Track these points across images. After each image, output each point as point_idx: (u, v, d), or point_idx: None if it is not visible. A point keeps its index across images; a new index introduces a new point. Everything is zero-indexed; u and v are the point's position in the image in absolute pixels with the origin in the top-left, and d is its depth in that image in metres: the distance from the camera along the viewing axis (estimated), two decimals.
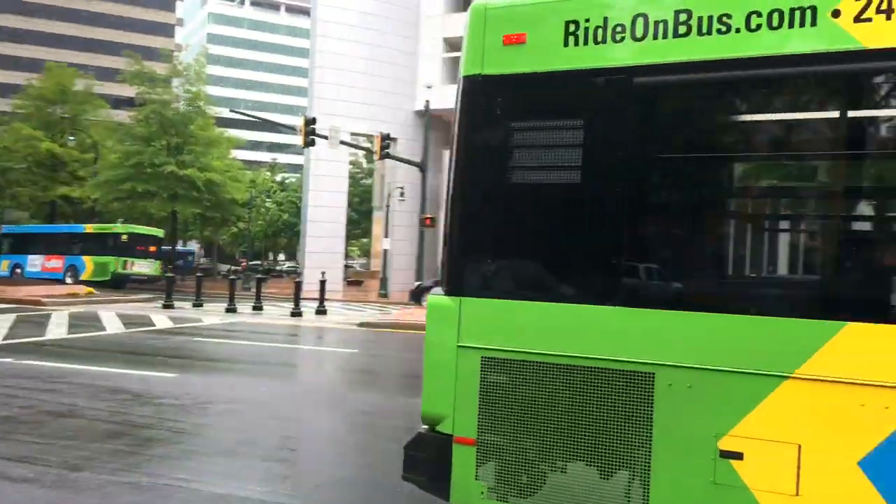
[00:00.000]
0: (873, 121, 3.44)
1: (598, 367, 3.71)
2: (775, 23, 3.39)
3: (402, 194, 36.97)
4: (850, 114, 3.48)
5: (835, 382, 3.22)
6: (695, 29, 3.56)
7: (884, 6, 3.19)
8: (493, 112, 4.07)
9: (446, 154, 41.13)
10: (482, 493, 3.97)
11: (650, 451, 3.58)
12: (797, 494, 3.28)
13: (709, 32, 3.53)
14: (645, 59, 3.66)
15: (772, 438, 3.34)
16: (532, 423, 3.86)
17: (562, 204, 3.97)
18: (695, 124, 3.80)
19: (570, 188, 3.91)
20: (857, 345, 3.19)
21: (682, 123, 3.82)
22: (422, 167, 34.05)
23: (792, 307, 3.43)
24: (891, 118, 3.40)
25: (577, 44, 3.83)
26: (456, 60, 40.17)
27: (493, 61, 4.04)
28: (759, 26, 3.43)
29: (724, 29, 3.49)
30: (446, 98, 36.09)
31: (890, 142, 3.38)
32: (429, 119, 34.94)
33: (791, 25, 3.37)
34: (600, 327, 3.73)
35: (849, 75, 3.39)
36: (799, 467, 3.28)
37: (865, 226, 3.58)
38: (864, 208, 3.57)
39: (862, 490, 3.16)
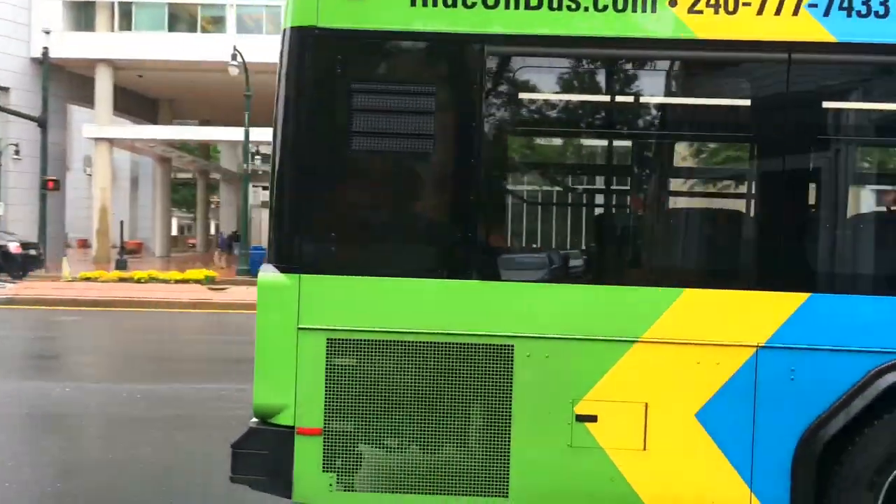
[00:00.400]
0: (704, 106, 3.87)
1: (455, 343, 3.64)
2: (620, 5, 3.61)
3: (16, 152, 31.92)
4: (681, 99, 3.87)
5: (675, 344, 3.60)
6: (546, 3, 3.63)
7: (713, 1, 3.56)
8: (332, 70, 3.71)
9: (72, 108, 37.08)
10: (330, 485, 3.67)
11: (510, 424, 3.63)
12: (644, 449, 3.61)
13: (559, 8, 3.62)
14: (493, 29, 3.64)
15: (622, 399, 3.62)
16: (385, 406, 3.66)
17: (414, 174, 3.79)
18: (539, 100, 3.89)
19: (419, 157, 3.75)
20: (693, 309, 3.60)
21: (528, 97, 3.88)
22: (41, 122, 29.69)
23: (640, 277, 3.74)
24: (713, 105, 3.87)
25: (424, 4, 3.66)
26: (80, 3, 36.48)
27: (332, 13, 3.67)
28: (605, 7, 3.61)
29: (573, 6, 3.62)
30: (68, 45, 32.03)
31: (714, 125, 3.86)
32: (47, 68, 30.46)
33: (634, 10, 3.60)
34: (457, 301, 3.66)
35: (682, 61, 3.76)
36: (646, 424, 3.61)
37: (698, 204, 4.04)
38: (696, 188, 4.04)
39: (699, 439, 3.60)
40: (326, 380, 3.65)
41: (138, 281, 21.18)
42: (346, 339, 3.66)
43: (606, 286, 3.68)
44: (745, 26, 3.55)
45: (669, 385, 3.61)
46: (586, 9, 3.60)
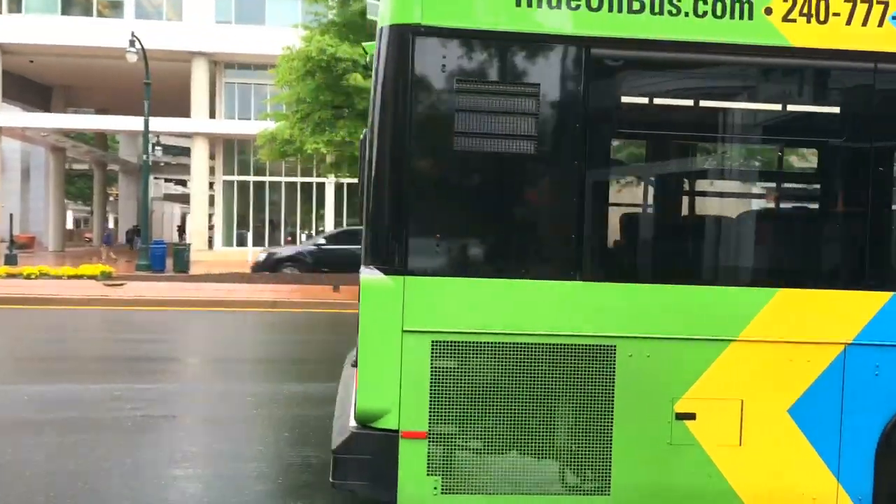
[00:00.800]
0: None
1: (559, 344, 3.63)
2: (718, 11, 3.70)
3: None
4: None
5: (770, 343, 3.72)
6: (647, 8, 3.68)
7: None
8: (437, 69, 3.63)
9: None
10: (435, 489, 3.58)
11: (612, 424, 3.66)
12: (740, 445, 3.72)
13: (661, 12, 3.68)
14: (599, 31, 3.66)
15: (719, 397, 3.71)
16: (489, 408, 3.61)
17: (519, 174, 3.75)
18: (653, 102, 3.91)
19: (522, 158, 3.72)
20: (786, 308, 3.73)
21: (630, 101, 3.89)
22: None
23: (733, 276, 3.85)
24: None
25: (529, 5, 3.63)
26: None
27: (435, 11, 3.59)
28: (704, 13, 3.69)
29: (674, 11, 3.68)
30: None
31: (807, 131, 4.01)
32: None
33: (732, 17, 3.69)
34: (563, 303, 3.65)
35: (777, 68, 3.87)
36: (742, 421, 3.72)
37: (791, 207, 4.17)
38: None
39: (791, 434, 3.75)
40: (431, 382, 3.57)
41: (27, 277, 19.78)
42: (451, 342, 3.58)
43: (706, 286, 3.76)
44: (835, 36, 3.71)
45: (764, 382, 3.73)
46: (686, 14, 3.67)
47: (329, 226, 30.11)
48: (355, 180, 20.85)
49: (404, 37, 3.59)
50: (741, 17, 3.69)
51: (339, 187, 28.98)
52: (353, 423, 3.67)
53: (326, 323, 13.64)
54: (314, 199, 31.59)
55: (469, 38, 3.63)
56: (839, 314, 3.76)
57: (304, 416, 6.79)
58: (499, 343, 3.61)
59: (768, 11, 3.70)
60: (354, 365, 4.71)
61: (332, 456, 3.61)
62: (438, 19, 3.59)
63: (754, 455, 3.74)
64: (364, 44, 4.96)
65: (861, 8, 3.72)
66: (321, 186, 30.90)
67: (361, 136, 3.99)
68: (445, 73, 3.63)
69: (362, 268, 3.64)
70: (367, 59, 4.81)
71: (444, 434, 3.59)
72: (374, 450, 3.58)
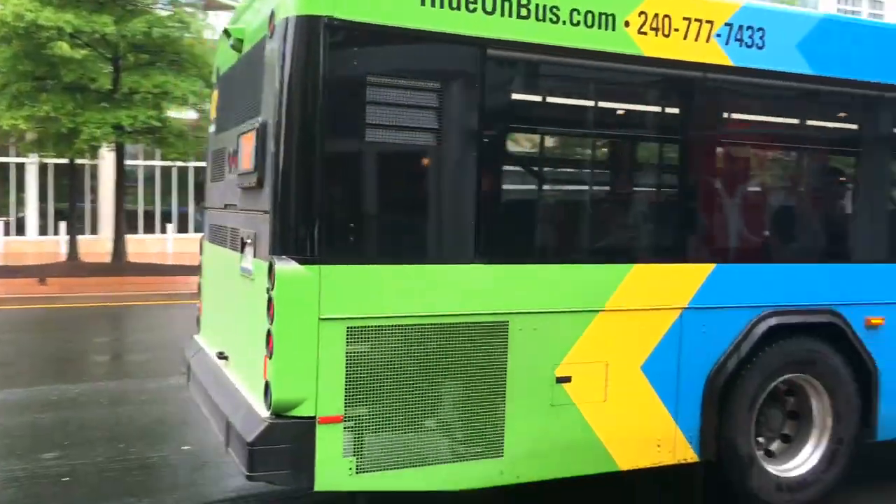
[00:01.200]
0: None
1: (461, 323, 3.93)
2: (588, 21, 4.17)
3: None
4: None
5: (628, 311, 4.34)
6: (533, 14, 4.04)
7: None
8: (348, 62, 3.70)
9: None
10: (350, 470, 3.73)
11: (505, 393, 4.05)
12: (605, 401, 4.31)
13: (544, 19, 4.07)
14: (494, 33, 3.95)
15: (589, 361, 4.26)
16: (399, 387, 3.81)
17: (424, 165, 3.93)
18: (538, 100, 4.30)
19: (426, 150, 3.92)
20: (639, 280, 4.37)
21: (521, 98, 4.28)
22: None
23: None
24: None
25: (433, 5, 3.82)
26: None
27: (347, 5, 3.66)
28: (578, 22, 4.14)
29: (554, 19, 4.09)
30: None
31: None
32: None
33: (600, 28, 4.19)
34: (462, 285, 3.94)
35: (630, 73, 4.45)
36: (606, 379, 4.31)
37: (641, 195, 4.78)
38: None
39: (642, 387, 4.42)
40: (347, 367, 3.69)
41: None
42: (365, 327, 3.72)
43: (578, 264, 4.27)
44: (676, 48, 4.37)
45: (623, 345, 4.35)
46: (564, 22, 4.10)
47: (32, 212, 26.12)
48: (64, 160, 19.18)
49: (315, 29, 3.62)
50: (606, 28, 4.19)
51: (43, 168, 25.31)
52: (264, 413, 3.67)
53: (33, 320, 12.38)
54: (12, 182, 27.08)
55: (378, 33, 3.74)
56: (678, 284, 4.49)
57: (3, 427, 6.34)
58: (408, 326, 3.83)
59: (627, 24, 4.25)
60: (222, 357, 4.63)
61: (248, 449, 3.59)
62: (349, 13, 3.67)
63: (615, 409, 4.35)
64: (229, 27, 4.73)
65: (694, 25, 4.40)
66: (21, 167, 26.59)
67: (255, 126, 3.91)
68: (356, 67, 3.72)
69: (273, 258, 3.62)
70: (233, 42, 4.64)
71: (359, 416, 3.74)
72: (292, 438, 3.63)
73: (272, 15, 3.87)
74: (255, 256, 4.06)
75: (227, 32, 4.78)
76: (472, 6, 3.88)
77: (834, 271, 4.94)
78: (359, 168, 3.84)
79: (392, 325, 3.78)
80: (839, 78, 4.82)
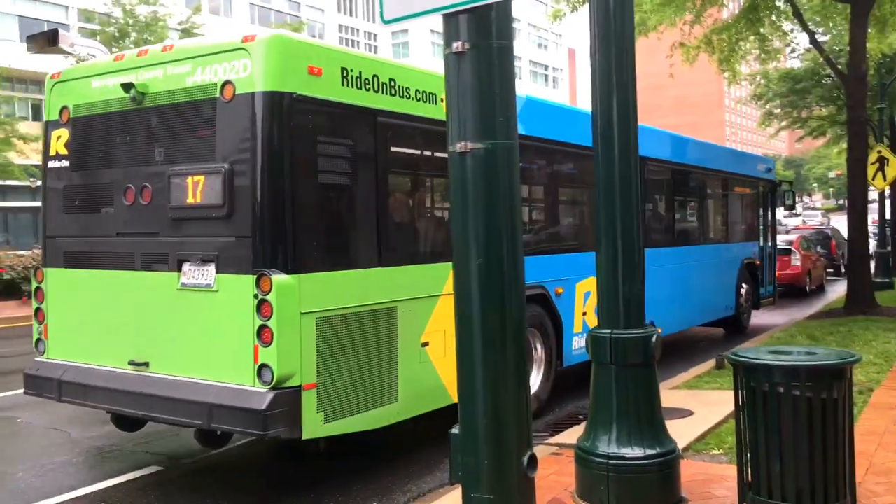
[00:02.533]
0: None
1: (373, 310, 5.51)
2: (425, 99, 6.08)
3: None
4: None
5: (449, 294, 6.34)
6: (397, 93, 5.83)
7: None
8: (305, 126, 5.11)
9: None
10: (321, 421, 5.06)
11: (397, 357, 5.74)
12: (445, 356, 6.21)
13: (406, 97, 5.90)
14: (381, 106, 5.65)
15: (437, 330, 6.13)
16: (344, 358, 5.25)
17: (350, 199, 5.48)
18: (409, 150, 6.22)
19: (352, 188, 5.55)
20: None
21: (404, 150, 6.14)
22: None
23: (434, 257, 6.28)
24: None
25: (349, 86, 5.40)
26: None
27: (301, 84, 5.03)
28: (419, 98, 6.04)
29: (410, 96, 5.95)
30: None
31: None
32: None
33: (434, 103, 6.11)
34: (372, 282, 5.52)
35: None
36: (445, 342, 6.22)
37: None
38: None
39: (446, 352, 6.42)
40: (317, 347, 5.03)
41: None
42: (326, 317, 5.11)
43: (428, 264, 6.12)
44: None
45: (451, 317, 6.29)
46: (417, 98, 6.01)
47: None
48: None
49: (282, 101, 4.95)
50: (433, 103, 6.13)
51: None
52: (263, 389, 4.81)
53: None
54: None
55: (321, 103, 5.18)
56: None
57: None
58: (346, 313, 5.27)
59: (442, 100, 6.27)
60: (138, 364, 5.43)
61: (263, 415, 4.69)
62: (303, 90, 5.06)
63: (450, 362, 6.27)
64: (132, 82, 5.41)
65: None
66: None
67: (219, 169, 5.01)
68: (310, 128, 5.11)
69: (265, 271, 4.80)
70: (134, 94, 5.48)
71: (324, 382, 5.07)
72: (288, 403, 4.82)
73: (227, 84, 4.98)
74: (219, 272, 5.02)
75: (128, 86, 5.40)
76: (367, 87, 5.52)
77: (541, 261, 7.63)
78: (314, 202, 5.19)
79: (339, 314, 5.19)
80: (537, 136, 7.52)
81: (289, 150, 4.95)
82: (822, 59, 17.20)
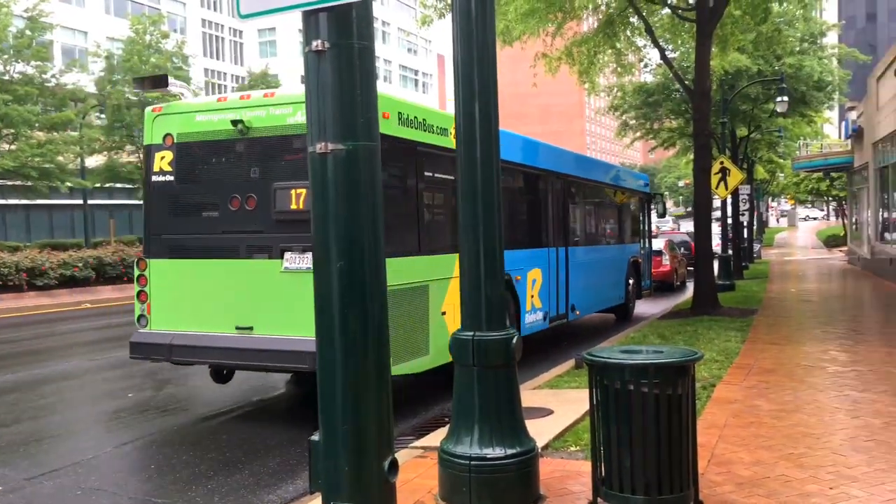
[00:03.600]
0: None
1: (410, 287, 7.49)
2: (446, 133, 8.17)
3: None
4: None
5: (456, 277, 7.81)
6: (431, 130, 8.15)
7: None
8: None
9: None
10: None
11: (428, 321, 7.80)
12: (454, 323, 7.54)
13: (434, 132, 8.30)
14: (421, 139, 7.97)
15: (451, 304, 7.96)
16: (400, 320, 7.20)
17: (403, 204, 8.00)
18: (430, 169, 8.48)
19: (405, 197, 8.02)
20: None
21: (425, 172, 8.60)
22: None
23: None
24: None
25: (402, 125, 7.63)
26: None
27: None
28: (441, 132, 8.28)
29: (436, 131, 8.35)
30: None
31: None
32: None
33: (446, 135, 8.14)
34: (416, 266, 7.66)
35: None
36: (454, 312, 7.68)
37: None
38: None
39: (454, 318, 7.92)
40: None
41: None
42: (389, 290, 7.70)
43: (446, 254, 8.12)
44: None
45: (458, 294, 7.86)
46: (437, 132, 8.17)
47: None
48: None
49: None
50: (445, 135, 8.18)
51: None
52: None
53: None
54: None
55: (387, 138, 6.65)
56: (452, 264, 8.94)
57: None
58: (402, 288, 7.19)
59: (450, 133, 8.10)
60: (244, 328, 7.08)
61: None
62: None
63: (456, 326, 7.84)
64: (241, 118, 7.14)
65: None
66: None
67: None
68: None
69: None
70: (241, 128, 7.10)
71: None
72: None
73: None
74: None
75: (237, 122, 6.97)
76: (412, 125, 7.70)
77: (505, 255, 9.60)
78: (404, 211, 7.72)
79: (395, 289, 6.70)
80: (530, 166, 10.59)
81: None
82: (671, 75, 18.27)
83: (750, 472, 4.95)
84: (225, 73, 57.92)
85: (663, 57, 16.65)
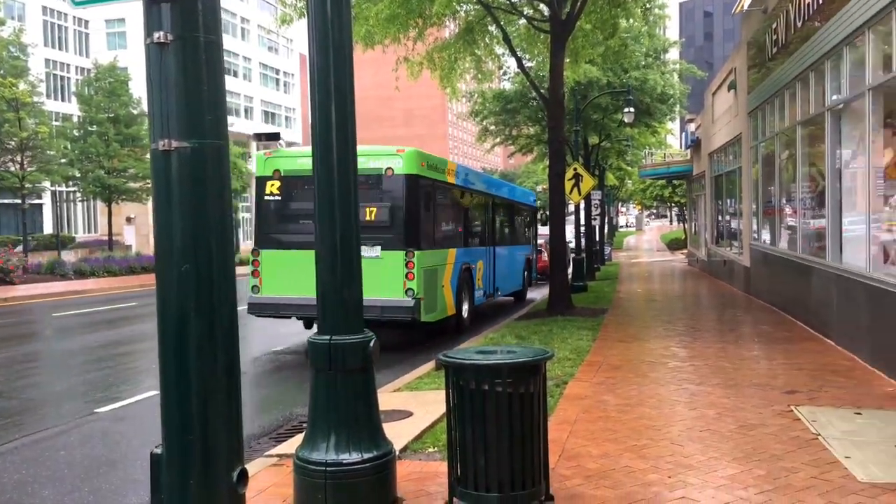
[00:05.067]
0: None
1: (435, 267, 12.29)
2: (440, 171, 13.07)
3: None
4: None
5: (451, 263, 13.24)
6: (440, 170, 12.91)
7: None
8: (423, 187, 12.17)
9: None
10: (424, 313, 11.68)
11: (438, 289, 12.44)
12: (447, 293, 12.77)
13: (441, 172, 13.25)
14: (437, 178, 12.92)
15: (446, 281, 12.67)
16: (430, 286, 12.03)
17: (431, 217, 12.79)
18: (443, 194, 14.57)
19: (432, 213, 12.87)
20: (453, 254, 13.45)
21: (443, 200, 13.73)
22: None
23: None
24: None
25: (429, 169, 12.32)
26: None
27: (419, 169, 11.86)
28: (440, 171, 13.07)
29: (441, 170, 13.25)
30: None
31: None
32: None
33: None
34: (436, 255, 12.55)
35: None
36: (447, 286, 12.81)
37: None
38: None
39: (448, 290, 12.99)
40: (424, 283, 11.69)
41: None
42: (427, 269, 12.11)
43: (444, 249, 13.03)
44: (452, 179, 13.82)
45: (449, 275, 12.97)
46: (441, 171, 13.18)
47: None
48: None
49: (413, 177, 11.75)
50: (443, 173, 13.20)
51: None
52: (409, 299, 11.33)
53: None
54: None
55: (423, 177, 12.16)
56: (454, 255, 13.45)
57: None
58: (431, 268, 12.00)
59: (448, 171, 13.56)
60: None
61: (410, 308, 11.29)
62: (419, 172, 12.07)
63: (448, 295, 12.89)
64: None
65: (451, 174, 13.65)
66: None
67: (386, 206, 11.65)
68: (425, 188, 12.36)
69: (408, 249, 11.36)
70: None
71: (425, 297, 11.77)
72: (417, 304, 11.42)
73: (388, 168, 11.48)
74: (384, 249, 11.23)
75: None
76: (433, 169, 12.52)
77: (468, 251, 14.42)
78: (422, 219, 11.86)
79: (429, 268, 11.84)
80: (464, 185, 14.70)
81: (413, 197, 11.60)
82: (528, 83, 18.88)
83: (597, 465, 5.18)
84: (69, 65, 54.26)
85: (520, 65, 17.18)
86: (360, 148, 9.48)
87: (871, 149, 8.72)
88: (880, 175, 8.67)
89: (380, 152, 11.56)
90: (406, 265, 11.17)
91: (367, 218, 10.96)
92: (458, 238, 14.09)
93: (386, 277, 11.05)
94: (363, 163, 10.68)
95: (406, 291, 11.19)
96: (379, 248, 11.15)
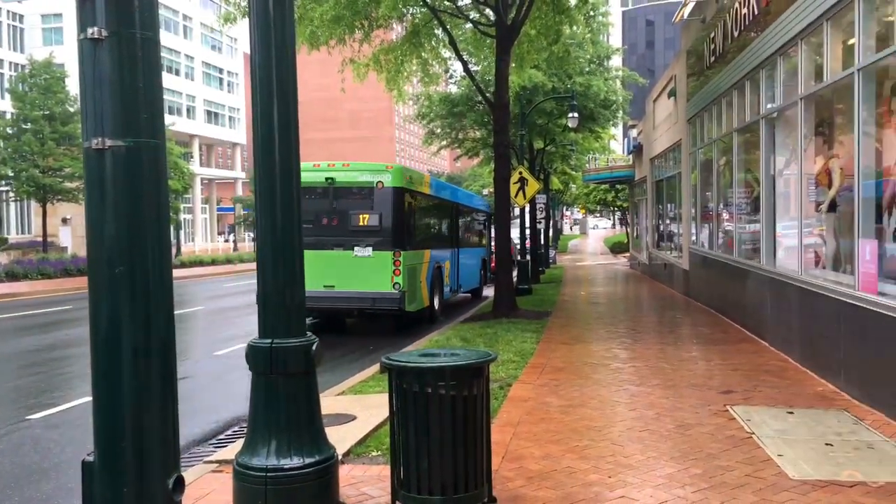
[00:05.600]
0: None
1: (417, 265, 14.61)
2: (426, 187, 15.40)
3: None
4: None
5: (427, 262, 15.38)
6: (420, 184, 15.82)
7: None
8: (407, 199, 14.67)
9: None
10: (408, 304, 13.97)
11: (418, 283, 14.67)
12: (423, 288, 14.77)
13: (421, 185, 15.86)
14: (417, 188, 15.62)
15: (423, 277, 14.60)
16: (414, 280, 14.45)
17: (413, 223, 15.14)
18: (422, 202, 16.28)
19: (414, 219, 15.44)
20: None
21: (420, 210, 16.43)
22: None
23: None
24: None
25: (411, 183, 14.94)
26: None
27: (406, 183, 14.48)
28: (423, 184, 15.42)
29: (421, 183, 15.63)
30: None
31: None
32: None
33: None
34: (417, 255, 14.90)
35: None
36: (423, 282, 14.74)
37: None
38: None
39: (425, 285, 15.09)
40: (407, 278, 13.84)
41: None
42: (410, 266, 14.36)
43: (423, 249, 15.31)
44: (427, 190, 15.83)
45: (425, 271, 14.89)
46: (421, 184, 15.73)
47: None
48: None
49: (399, 190, 14.20)
50: (422, 185, 15.59)
51: None
52: (396, 292, 13.69)
53: None
54: None
55: (407, 190, 14.85)
56: (428, 255, 15.52)
57: None
58: (414, 266, 14.51)
59: (430, 185, 16.39)
60: (329, 286, 13.69)
61: (397, 300, 13.52)
62: (406, 186, 14.68)
63: (424, 289, 14.96)
64: (331, 177, 14.18)
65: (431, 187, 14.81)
66: None
67: (376, 213, 13.99)
68: (405, 198, 14.65)
69: (395, 249, 13.62)
70: (329, 180, 14.10)
71: (408, 290, 14.09)
72: (402, 296, 13.75)
73: (379, 182, 13.83)
74: (374, 250, 13.54)
75: (330, 179, 13.85)
76: (413, 183, 14.98)
77: (439, 253, 16.48)
78: (407, 224, 14.23)
79: (412, 266, 14.13)
80: (444, 197, 18.09)
81: (400, 206, 13.82)
82: (474, 87, 18.99)
83: (539, 466, 5.23)
84: (2, 61, 52.42)
85: (466, 69, 17.26)
86: (353, 164, 12.67)
87: (802, 156, 9.03)
88: (812, 182, 8.98)
89: (371, 168, 14.18)
90: (394, 263, 13.39)
91: (361, 223, 13.67)
92: (431, 240, 16.40)
93: (377, 273, 13.47)
94: (357, 177, 13.91)
95: (393, 285, 13.38)
96: (370, 248, 13.53)
